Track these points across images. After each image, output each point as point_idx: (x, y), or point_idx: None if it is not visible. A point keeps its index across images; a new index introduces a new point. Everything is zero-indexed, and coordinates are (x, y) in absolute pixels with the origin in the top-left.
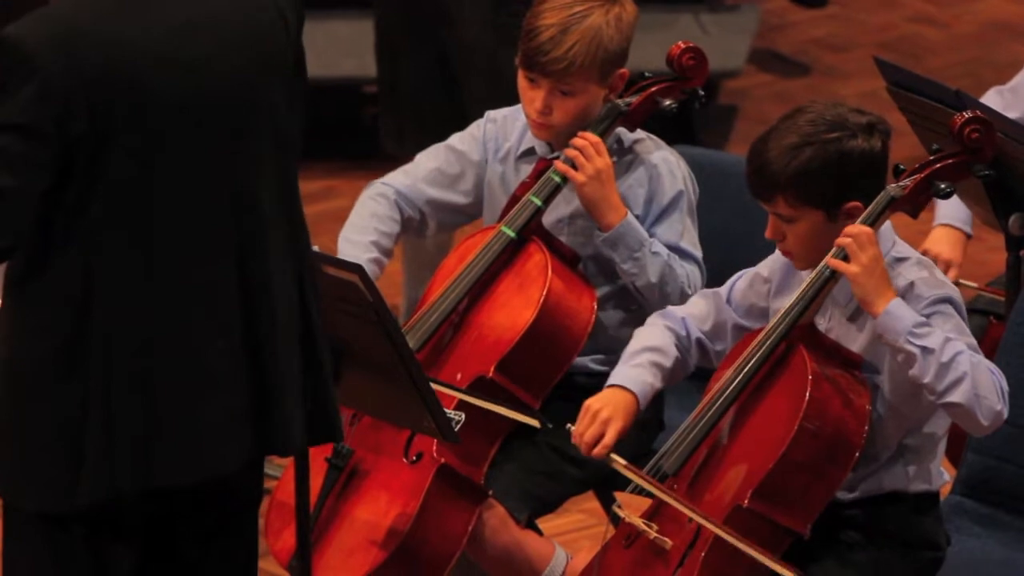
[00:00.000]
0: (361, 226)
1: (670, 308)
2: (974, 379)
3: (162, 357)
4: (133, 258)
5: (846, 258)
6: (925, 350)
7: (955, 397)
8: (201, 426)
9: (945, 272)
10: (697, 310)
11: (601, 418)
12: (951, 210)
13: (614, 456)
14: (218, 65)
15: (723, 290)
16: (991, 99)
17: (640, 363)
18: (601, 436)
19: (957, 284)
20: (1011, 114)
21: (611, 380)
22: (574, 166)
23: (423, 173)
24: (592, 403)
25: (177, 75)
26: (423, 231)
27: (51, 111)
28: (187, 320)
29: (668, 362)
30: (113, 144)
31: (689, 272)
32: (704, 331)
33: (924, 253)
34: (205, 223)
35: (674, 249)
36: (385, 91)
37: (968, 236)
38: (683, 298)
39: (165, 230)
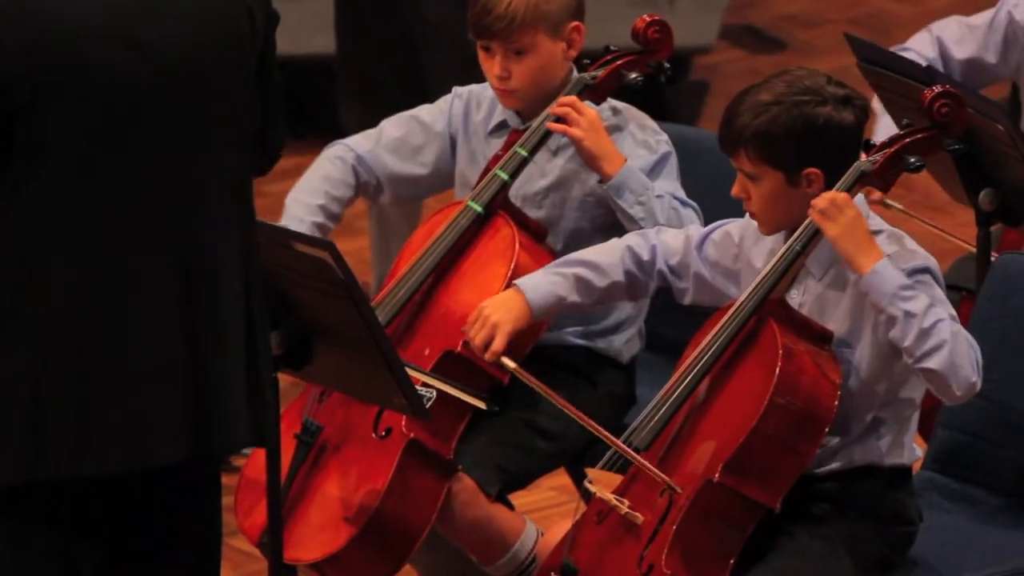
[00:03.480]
0: (311, 188)
1: (648, 230)
2: (952, 348)
3: (95, 345)
4: (71, 238)
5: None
6: (908, 314)
7: (932, 363)
8: (131, 416)
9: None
10: (672, 241)
11: (491, 322)
12: None
13: (505, 360)
14: (172, 50)
15: (696, 236)
16: (949, 26)
17: (562, 273)
18: (491, 340)
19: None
20: (959, 50)
21: (518, 280)
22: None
23: (386, 141)
24: (484, 305)
25: (127, 55)
26: (378, 197)
27: None
28: (122, 307)
29: (601, 281)
30: (56, 119)
31: (692, 217)
32: (670, 264)
33: None
34: (146, 208)
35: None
36: (345, 68)
37: None
38: None
39: (104, 212)
